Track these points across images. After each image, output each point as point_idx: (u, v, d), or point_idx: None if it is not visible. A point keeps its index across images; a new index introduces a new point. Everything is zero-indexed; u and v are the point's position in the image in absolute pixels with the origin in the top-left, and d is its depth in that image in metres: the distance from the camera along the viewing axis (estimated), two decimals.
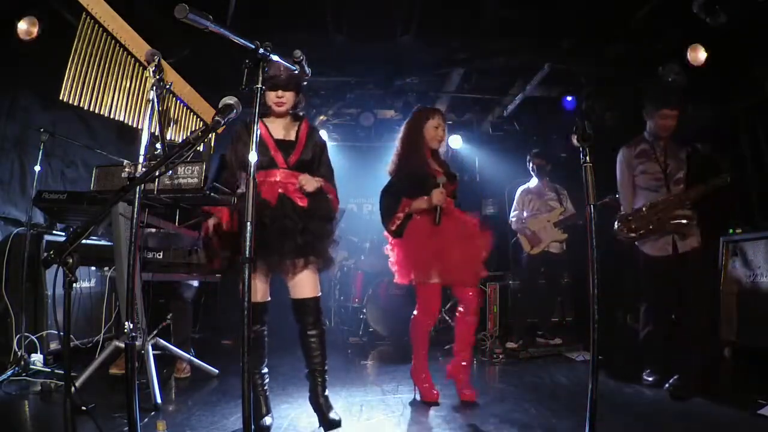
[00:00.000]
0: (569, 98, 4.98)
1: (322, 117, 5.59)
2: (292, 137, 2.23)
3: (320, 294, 2.21)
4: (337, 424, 2.12)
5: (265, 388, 2.16)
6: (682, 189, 2.86)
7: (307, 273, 2.14)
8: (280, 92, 2.17)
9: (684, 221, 2.78)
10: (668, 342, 2.91)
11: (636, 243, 2.97)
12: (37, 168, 2.94)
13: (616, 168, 3.08)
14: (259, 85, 1.52)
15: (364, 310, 4.60)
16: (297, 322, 2.18)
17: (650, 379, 2.86)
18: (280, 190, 2.13)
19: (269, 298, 2.19)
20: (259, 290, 2.11)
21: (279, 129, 2.24)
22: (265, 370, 2.19)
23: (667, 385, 2.72)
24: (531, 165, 4.45)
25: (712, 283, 2.87)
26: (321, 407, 2.15)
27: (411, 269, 2.55)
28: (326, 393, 2.18)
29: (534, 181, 4.47)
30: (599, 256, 1.60)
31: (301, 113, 2.33)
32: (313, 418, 2.16)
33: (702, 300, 2.80)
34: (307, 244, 2.10)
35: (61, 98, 2.14)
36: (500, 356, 3.74)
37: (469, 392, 2.57)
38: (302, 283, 2.14)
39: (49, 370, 2.78)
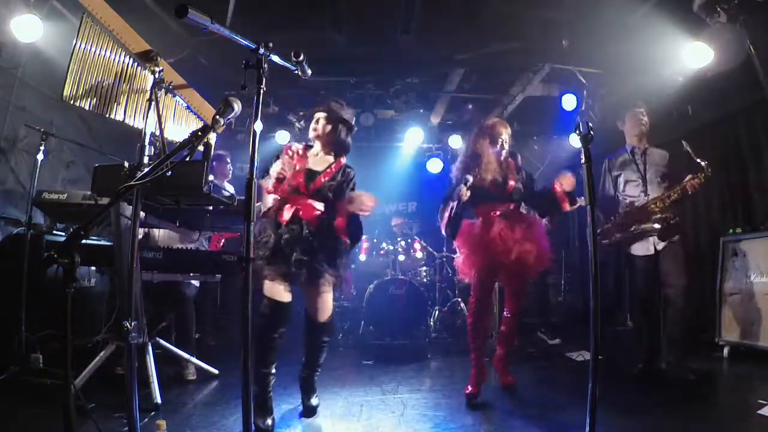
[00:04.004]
0: (569, 98, 4.96)
1: None
2: (320, 168, 2.34)
3: (332, 314, 2.35)
4: (313, 410, 2.33)
5: (270, 389, 2.17)
6: (659, 192, 2.94)
7: (324, 296, 2.26)
8: (320, 118, 2.35)
9: (656, 225, 2.90)
10: (656, 333, 2.98)
11: (624, 245, 3.08)
12: (38, 168, 2.93)
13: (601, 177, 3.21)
14: (261, 85, 1.52)
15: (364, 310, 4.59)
16: (307, 335, 2.35)
17: (645, 374, 2.89)
18: (298, 213, 2.25)
19: (290, 299, 2.21)
20: (280, 291, 2.16)
21: (313, 158, 2.37)
22: (274, 371, 2.21)
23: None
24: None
25: (691, 277, 2.91)
26: (306, 390, 2.37)
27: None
28: (314, 381, 2.40)
29: None
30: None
31: (340, 154, 2.44)
32: (313, 419, 2.16)
33: (678, 292, 2.84)
34: (319, 264, 2.19)
35: (61, 98, 2.13)
36: None
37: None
38: (319, 305, 2.27)
39: (49, 370, 2.77)
